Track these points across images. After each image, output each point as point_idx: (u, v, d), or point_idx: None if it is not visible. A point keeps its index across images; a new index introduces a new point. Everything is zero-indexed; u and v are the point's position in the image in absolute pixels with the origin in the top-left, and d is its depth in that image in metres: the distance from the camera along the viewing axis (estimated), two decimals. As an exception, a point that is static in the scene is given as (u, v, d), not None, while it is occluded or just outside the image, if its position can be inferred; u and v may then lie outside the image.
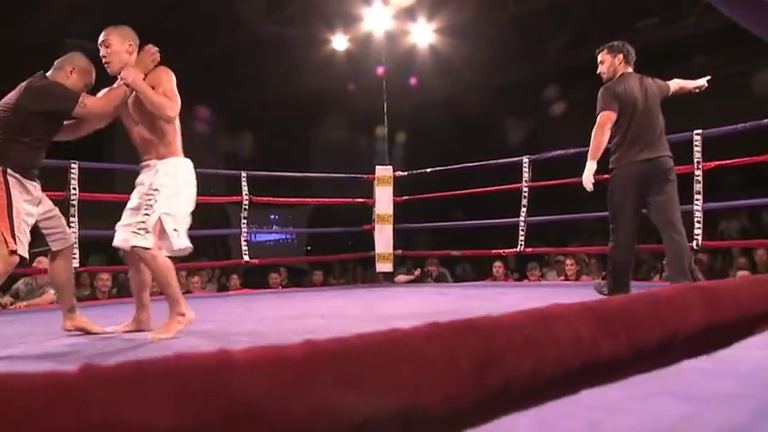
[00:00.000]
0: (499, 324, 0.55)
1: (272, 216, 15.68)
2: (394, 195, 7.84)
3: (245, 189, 7.20)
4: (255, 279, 9.35)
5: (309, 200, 9.24)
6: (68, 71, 3.56)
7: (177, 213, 3.46)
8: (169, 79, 3.53)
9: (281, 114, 14.51)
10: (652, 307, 0.74)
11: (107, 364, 0.40)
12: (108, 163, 10.49)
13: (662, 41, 12.10)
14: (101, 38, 3.58)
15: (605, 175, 4.53)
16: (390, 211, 7.77)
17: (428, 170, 7.99)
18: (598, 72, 4.60)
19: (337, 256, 9.55)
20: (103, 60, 3.57)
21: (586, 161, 4.48)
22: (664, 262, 7.50)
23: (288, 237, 16.17)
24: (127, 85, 3.46)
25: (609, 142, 4.41)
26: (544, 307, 0.63)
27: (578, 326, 0.62)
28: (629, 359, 0.67)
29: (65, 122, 3.62)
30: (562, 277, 7.82)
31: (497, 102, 13.52)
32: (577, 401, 1.71)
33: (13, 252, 3.30)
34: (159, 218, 3.38)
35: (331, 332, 3.53)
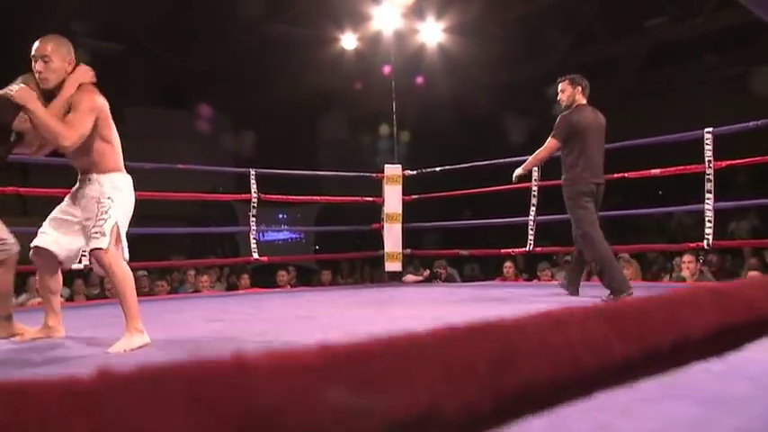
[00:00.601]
0: (516, 327, 0.55)
1: (281, 215, 15.70)
2: (403, 194, 7.84)
3: (253, 187, 7.20)
4: (264, 278, 9.37)
5: (318, 198, 9.23)
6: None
7: (124, 225, 3.41)
8: (86, 103, 3.30)
9: (290, 113, 14.54)
10: (664, 309, 0.73)
11: (123, 369, 0.40)
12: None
13: (670, 40, 12.08)
14: (39, 51, 3.31)
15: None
16: (399, 210, 7.76)
17: (437, 169, 7.99)
18: (558, 99, 5.20)
19: (346, 255, 9.54)
20: (38, 76, 3.31)
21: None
22: (674, 261, 7.49)
23: (296, 236, 16.20)
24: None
25: (563, 163, 5.14)
26: (559, 309, 0.62)
27: (592, 328, 0.62)
28: (642, 362, 0.67)
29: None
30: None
31: (505, 101, 13.51)
32: (587, 403, 1.71)
33: None
34: (116, 224, 3.31)
35: (339, 332, 3.53)
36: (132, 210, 3.50)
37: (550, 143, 5.12)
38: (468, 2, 10.81)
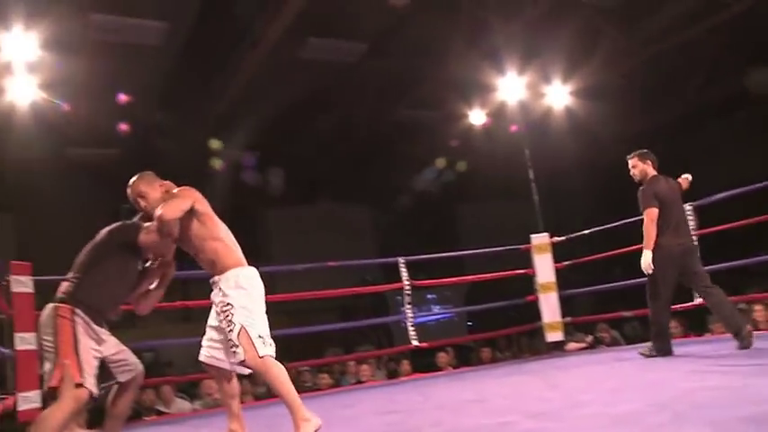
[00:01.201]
0: None
1: (430, 296, 15.66)
2: (554, 262, 7.68)
3: (404, 274, 7.26)
4: (423, 361, 9.30)
5: (470, 278, 9.11)
6: None
7: (255, 320, 3.44)
8: (180, 192, 3.58)
9: (426, 194, 14.71)
10: None
11: None
12: (267, 266, 10.96)
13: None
14: (134, 193, 3.68)
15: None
16: (553, 278, 7.60)
17: (586, 232, 7.79)
18: (631, 174, 5.70)
19: (505, 332, 9.34)
20: (145, 210, 3.65)
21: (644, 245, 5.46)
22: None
23: (448, 315, 16.04)
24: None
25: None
26: None
27: None
28: None
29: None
30: (750, 327, 7.27)
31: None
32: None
33: (80, 385, 3.32)
34: (242, 327, 3.39)
35: (519, 413, 3.44)
36: (261, 299, 3.54)
37: (651, 213, 5.41)
38: (591, 58, 10.69)
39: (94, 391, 3.38)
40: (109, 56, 9.39)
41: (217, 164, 12.95)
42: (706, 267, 6.69)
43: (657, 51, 11.16)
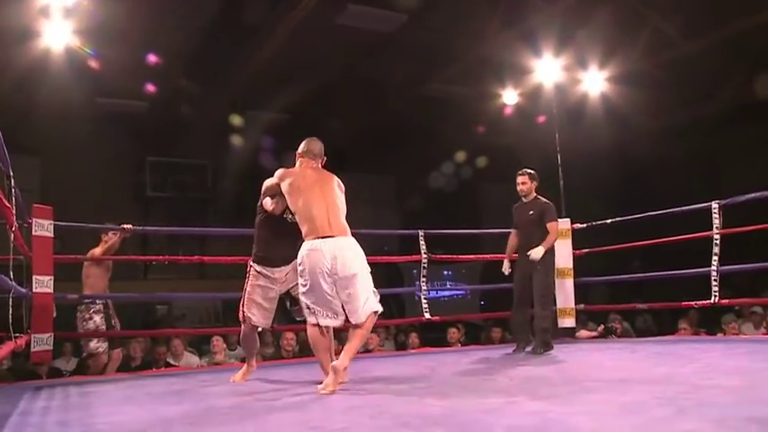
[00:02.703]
0: None
1: (446, 272, 15.66)
2: (573, 248, 7.62)
3: (423, 248, 7.28)
4: (431, 336, 9.32)
5: (489, 256, 9.07)
6: None
7: (306, 292, 4.11)
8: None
9: (450, 171, 14.65)
10: None
11: None
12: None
13: None
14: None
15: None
16: (570, 264, 7.55)
17: (609, 221, 7.73)
18: (519, 189, 6.32)
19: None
20: None
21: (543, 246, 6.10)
22: None
23: (462, 292, 16.07)
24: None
25: (535, 238, 6.13)
26: None
27: None
28: None
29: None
30: (763, 330, 7.24)
31: (672, 146, 12.92)
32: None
33: (243, 321, 4.66)
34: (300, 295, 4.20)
35: (525, 394, 3.44)
36: (313, 272, 4.05)
37: (556, 225, 6.25)
38: (629, 47, 10.51)
39: (254, 320, 4.63)
40: (146, 7, 9.32)
41: (240, 130, 12.91)
42: (726, 267, 6.70)
43: (701, 46, 10.91)
